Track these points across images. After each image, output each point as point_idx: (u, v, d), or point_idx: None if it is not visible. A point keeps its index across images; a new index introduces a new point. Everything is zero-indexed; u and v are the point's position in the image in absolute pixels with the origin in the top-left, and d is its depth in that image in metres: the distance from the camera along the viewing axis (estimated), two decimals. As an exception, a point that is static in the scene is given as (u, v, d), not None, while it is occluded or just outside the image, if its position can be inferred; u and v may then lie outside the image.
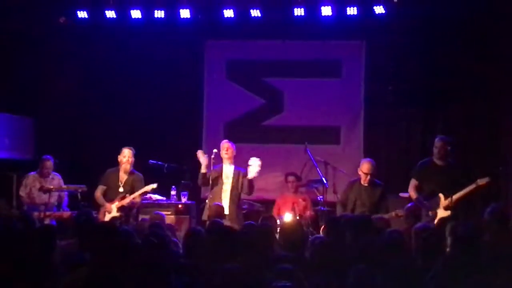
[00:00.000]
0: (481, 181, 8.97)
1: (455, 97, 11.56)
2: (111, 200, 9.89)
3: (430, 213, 8.95)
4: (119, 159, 9.99)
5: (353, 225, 6.26)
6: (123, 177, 10.00)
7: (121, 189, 9.94)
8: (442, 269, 5.22)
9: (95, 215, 8.75)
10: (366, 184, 9.61)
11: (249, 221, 7.07)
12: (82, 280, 4.80)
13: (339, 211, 9.69)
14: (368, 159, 9.92)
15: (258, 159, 9.59)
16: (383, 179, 10.85)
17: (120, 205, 9.79)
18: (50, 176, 10.51)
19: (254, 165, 9.52)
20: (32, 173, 10.56)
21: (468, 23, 11.24)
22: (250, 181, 9.59)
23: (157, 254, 5.36)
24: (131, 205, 9.86)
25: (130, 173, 10.01)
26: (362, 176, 9.62)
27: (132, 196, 9.83)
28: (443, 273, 5.17)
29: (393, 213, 9.41)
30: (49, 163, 10.50)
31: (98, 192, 9.98)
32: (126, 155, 9.96)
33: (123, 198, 9.83)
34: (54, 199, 10.35)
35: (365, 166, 9.63)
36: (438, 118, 11.69)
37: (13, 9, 11.30)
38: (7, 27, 11.31)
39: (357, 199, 9.58)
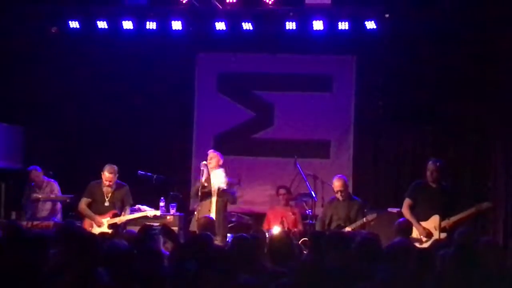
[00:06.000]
0: (481, 206, 9.07)
1: (445, 113, 11.58)
2: (97, 213, 9.88)
3: (423, 238, 9.00)
4: (102, 175, 9.99)
5: (334, 241, 6.23)
6: (108, 190, 9.99)
7: (106, 203, 9.94)
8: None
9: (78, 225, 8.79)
10: (342, 200, 9.85)
11: (240, 233, 7.07)
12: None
13: (317, 227, 9.87)
14: (339, 175, 10.14)
15: (222, 169, 9.74)
16: (372, 193, 10.91)
17: (112, 222, 9.78)
18: (44, 184, 10.43)
19: (218, 178, 9.62)
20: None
21: (459, 39, 11.28)
22: (224, 191, 9.73)
23: (151, 267, 5.36)
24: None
25: (116, 186, 10.00)
26: (336, 194, 9.87)
27: (128, 217, 9.82)
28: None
29: (364, 219, 9.53)
30: (34, 173, 10.41)
31: (83, 204, 9.98)
32: (106, 179, 9.90)
33: (115, 214, 9.82)
34: (46, 207, 10.31)
35: (336, 184, 9.93)
36: (428, 134, 11.72)
37: (4, 19, 11.29)
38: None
39: (333, 214, 9.84)
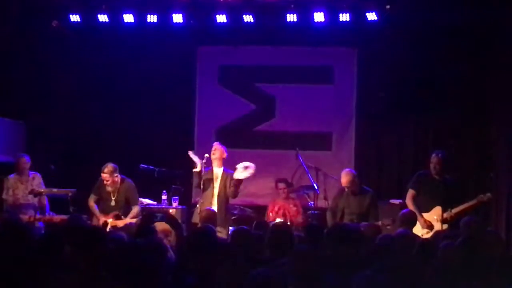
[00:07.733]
0: (483, 198, 9.07)
1: (446, 105, 11.57)
2: (103, 211, 9.81)
3: (425, 230, 9.01)
4: None
5: (333, 234, 6.21)
6: (111, 189, 9.86)
7: (112, 203, 9.79)
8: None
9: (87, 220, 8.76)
10: (353, 194, 9.63)
11: (241, 226, 7.06)
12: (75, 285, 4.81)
13: (329, 218, 9.70)
14: (347, 170, 9.97)
15: (253, 166, 9.59)
16: (374, 185, 10.88)
17: (114, 224, 9.73)
18: (31, 176, 10.25)
19: (248, 170, 9.53)
20: (11, 175, 10.31)
21: (461, 31, 11.26)
22: (237, 182, 9.58)
23: (154, 259, 5.36)
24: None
25: (121, 182, 9.90)
26: (346, 189, 9.66)
27: (129, 221, 9.72)
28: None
29: (379, 223, 9.31)
30: (23, 159, 10.21)
31: (91, 201, 9.83)
32: (103, 178, 9.74)
33: (118, 217, 9.70)
34: (42, 202, 10.23)
35: (344, 180, 9.68)
36: (429, 125, 11.71)
37: (5, 13, 11.28)
38: (-1, 30, 11.32)
39: (345, 207, 9.60)
